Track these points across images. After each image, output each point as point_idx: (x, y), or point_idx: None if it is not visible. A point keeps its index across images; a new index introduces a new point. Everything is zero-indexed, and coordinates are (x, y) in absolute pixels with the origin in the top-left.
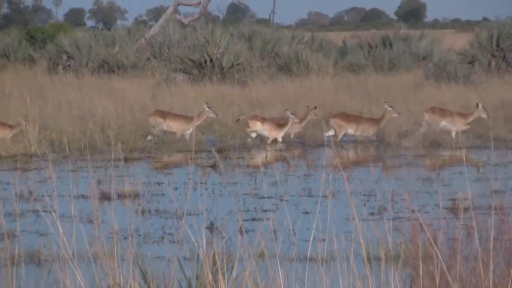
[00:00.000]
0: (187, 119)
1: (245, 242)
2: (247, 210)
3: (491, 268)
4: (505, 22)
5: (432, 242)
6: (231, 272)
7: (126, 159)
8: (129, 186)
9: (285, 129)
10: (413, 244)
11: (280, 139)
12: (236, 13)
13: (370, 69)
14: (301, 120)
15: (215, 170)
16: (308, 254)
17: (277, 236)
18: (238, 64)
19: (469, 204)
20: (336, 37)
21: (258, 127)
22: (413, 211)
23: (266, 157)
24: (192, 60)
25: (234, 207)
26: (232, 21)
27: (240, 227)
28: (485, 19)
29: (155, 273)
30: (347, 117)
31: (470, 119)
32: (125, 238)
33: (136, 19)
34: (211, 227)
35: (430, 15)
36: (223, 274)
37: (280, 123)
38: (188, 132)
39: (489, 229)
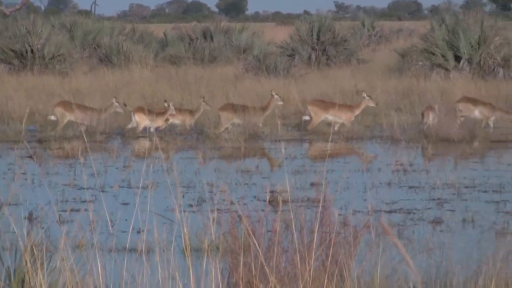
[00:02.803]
0: (95, 111)
1: (63, 232)
2: (66, 201)
3: (312, 260)
4: (325, 16)
5: (251, 234)
6: (49, 262)
7: None
8: None
9: (164, 119)
10: (231, 236)
11: (152, 129)
12: (58, 4)
13: (191, 61)
14: (194, 112)
15: (35, 160)
16: (128, 245)
17: (96, 227)
18: (59, 55)
19: (288, 196)
20: (157, 29)
21: (145, 120)
22: (232, 202)
23: (86, 148)
24: (13, 51)
25: (53, 197)
26: (54, 12)
27: (59, 217)
28: (306, 12)
29: None
30: (234, 108)
31: (358, 111)
32: None
33: None
34: (30, 218)
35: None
36: (41, 265)
37: (158, 113)
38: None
39: (307, 221)
